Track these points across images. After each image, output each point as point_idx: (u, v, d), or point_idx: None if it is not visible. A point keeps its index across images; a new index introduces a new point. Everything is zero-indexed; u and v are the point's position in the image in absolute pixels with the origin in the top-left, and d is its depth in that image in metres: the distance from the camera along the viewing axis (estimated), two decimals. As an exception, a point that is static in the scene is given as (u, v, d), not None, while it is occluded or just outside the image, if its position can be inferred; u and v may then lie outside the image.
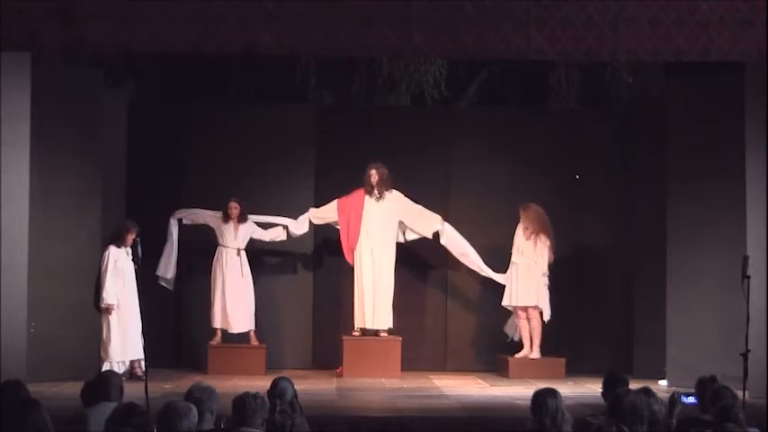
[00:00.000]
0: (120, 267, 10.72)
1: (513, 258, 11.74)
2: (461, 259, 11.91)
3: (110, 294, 10.66)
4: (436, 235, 11.81)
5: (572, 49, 9.07)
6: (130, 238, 10.58)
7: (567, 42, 8.93)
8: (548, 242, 11.62)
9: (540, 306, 11.64)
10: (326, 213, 11.85)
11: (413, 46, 9.04)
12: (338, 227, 11.79)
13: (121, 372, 10.24)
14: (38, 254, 10.04)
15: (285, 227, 11.78)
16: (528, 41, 8.89)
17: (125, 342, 10.69)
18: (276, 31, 8.85)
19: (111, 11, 8.77)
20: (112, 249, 10.74)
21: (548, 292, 11.63)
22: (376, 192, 11.64)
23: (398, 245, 11.79)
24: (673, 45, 8.91)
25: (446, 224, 11.81)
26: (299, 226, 11.79)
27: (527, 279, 11.64)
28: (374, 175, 11.62)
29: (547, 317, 11.65)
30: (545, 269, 11.62)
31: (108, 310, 10.66)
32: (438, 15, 8.88)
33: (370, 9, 8.87)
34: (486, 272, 11.84)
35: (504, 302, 11.81)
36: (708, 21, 8.86)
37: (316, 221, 11.89)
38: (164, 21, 8.79)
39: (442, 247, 12.24)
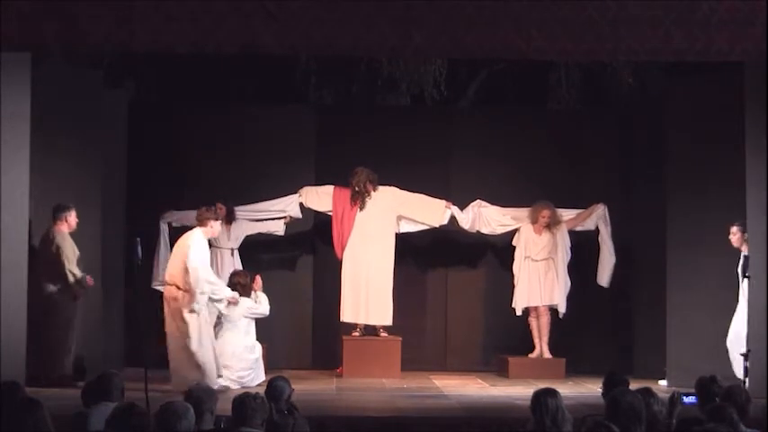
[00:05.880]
0: None
1: (530, 256, 11.71)
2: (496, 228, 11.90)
3: None
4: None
5: (572, 49, 9.07)
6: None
7: (566, 42, 8.93)
8: (565, 229, 11.69)
9: (561, 303, 11.66)
10: (320, 196, 11.81)
11: (413, 46, 9.04)
12: (329, 214, 11.79)
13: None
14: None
15: (278, 218, 11.79)
16: (528, 41, 8.88)
17: None
18: (276, 31, 8.85)
19: (111, 11, 8.76)
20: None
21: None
22: (361, 199, 11.64)
23: (397, 244, 11.78)
24: (673, 45, 8.90)
25: (453, 207, 11.79)
26: (291, 208, 11.79)
27: (547, 276, 11.67)
28: (354, 186, 11.64)
29: (563, 312, 11.68)
30: (569, 253, 11.66)
31: None
32: (438, 15, 8.88)
33: (370, 9, 8.87)
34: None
35: (521, 304, 11.75)
36: (708, 21, 8.86)
37: (306, 200, 11.81)
38: (164, 21, 8.79)
39: (442, 246, 12.26)
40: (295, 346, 12.34)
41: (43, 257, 10.09)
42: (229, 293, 10.35)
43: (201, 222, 10.30)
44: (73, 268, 10.09)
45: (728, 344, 10.07)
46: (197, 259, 9.99)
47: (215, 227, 10.35)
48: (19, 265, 9.42)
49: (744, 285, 9.96)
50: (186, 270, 9.92)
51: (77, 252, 10.21)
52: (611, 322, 12.35)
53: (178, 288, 9.93)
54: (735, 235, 10.27)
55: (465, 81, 15.06)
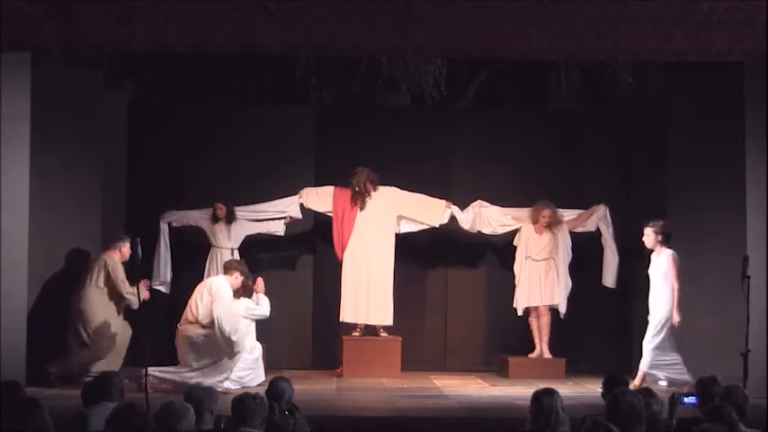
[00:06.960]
0: None
1: (531, 256, 11.71)
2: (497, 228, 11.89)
3: None
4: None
5: (572, 49, 9.08)
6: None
7: (566, 42, 8.94)
8: (566, 228, 11.70)
9: (561, 303, 11.66)
10: (321, 197, 11.80)
11: (413, 46, 9.04)
12: (330, 214, 11.79)
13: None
14: (38, 254, 10.04)
15: (278, 218, 11.80)
16: (528, 41, 8.89)
17: None
18: (276, 31, 8.86)
19: (111, 11, 8.77)
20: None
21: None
22: (361, 199, 11.63)
23: (397, 244, 11.78)
24: (673, 45, 8.91)
25: (454, 207, 11.78)
26: (291, 208, 11.79)
27: (547, 276, 11.66)
28: (354, 186, 11.63)
29: (563, 312, 11.68)
30: (570, 253, 11.66)
31: None
32: (438, 15, 8.88)
33: (370, 9, 8.88)
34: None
35: (521, 304, 11.73)
36: (708, 21, 8.86)
37: (307, 201, 11.80)
38: (164, 21, 8.79)
39: (442, 246, 12.26)
40: (295, 346, 12.33)
41: (98, 279, 10.40)
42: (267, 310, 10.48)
43: (227, 271, 10.39)
44: (127, 288, 10.37)
45: (645, 343, 10.19)
46: (225, 314, 10.08)
47: (239, 279, 10.34)
48: (19, 265, 9.43)
49: (657, 286, 10.16)
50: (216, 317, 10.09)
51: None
52: (611, 322, 12.34)
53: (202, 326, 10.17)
54: (648, 236, 10.35)
55: (465, 81, 15.08)
